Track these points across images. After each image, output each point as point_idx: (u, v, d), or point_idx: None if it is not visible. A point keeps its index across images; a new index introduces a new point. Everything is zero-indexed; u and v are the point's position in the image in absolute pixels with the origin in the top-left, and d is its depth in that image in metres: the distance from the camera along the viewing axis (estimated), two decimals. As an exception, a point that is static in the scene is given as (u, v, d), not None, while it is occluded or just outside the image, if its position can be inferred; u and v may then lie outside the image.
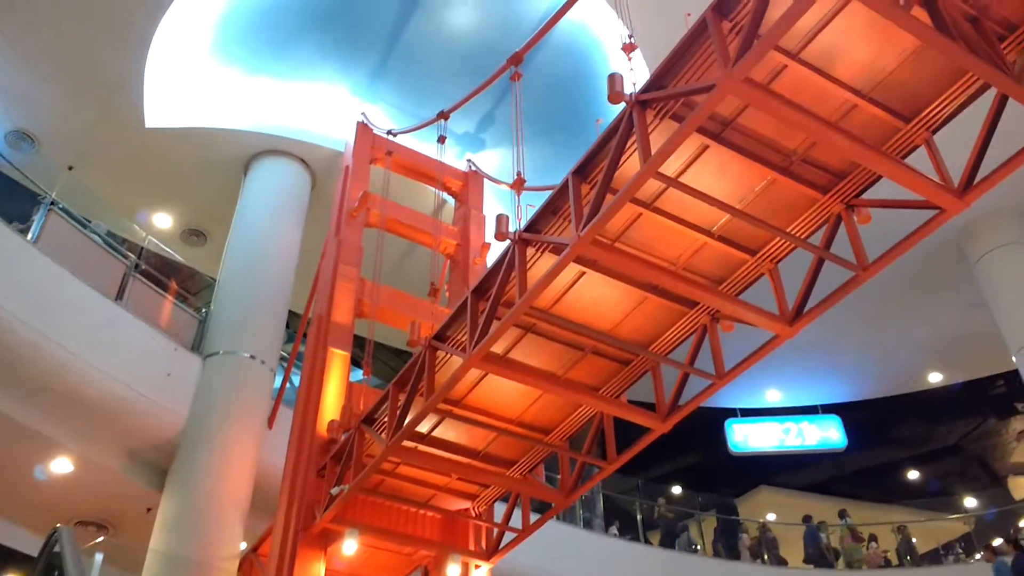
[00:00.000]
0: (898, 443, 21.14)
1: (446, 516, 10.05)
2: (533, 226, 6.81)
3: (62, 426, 10.78)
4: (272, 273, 13.43)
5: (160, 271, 13.29)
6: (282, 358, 13.34)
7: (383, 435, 8.46)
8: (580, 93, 15.04)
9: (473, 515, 10.00)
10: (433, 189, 14.64)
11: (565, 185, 6.46)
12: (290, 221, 14.24)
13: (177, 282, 13.78)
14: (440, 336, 7.85)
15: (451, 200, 14.00)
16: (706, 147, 6.08)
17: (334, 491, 8.62)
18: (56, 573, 6.24)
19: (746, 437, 20.12)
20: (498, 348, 7.52)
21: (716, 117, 5.88)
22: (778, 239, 6.72)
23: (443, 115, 12.08)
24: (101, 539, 6.55)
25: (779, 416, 20.31)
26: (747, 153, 6.10)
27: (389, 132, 12.96)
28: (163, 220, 15.95)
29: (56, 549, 5.83)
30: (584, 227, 5.92)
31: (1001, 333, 14.88)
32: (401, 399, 8.35)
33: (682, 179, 6.24)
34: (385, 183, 12.20)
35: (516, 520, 9.88)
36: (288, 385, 13.28)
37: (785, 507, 22.12)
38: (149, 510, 11.77)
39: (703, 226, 6.70)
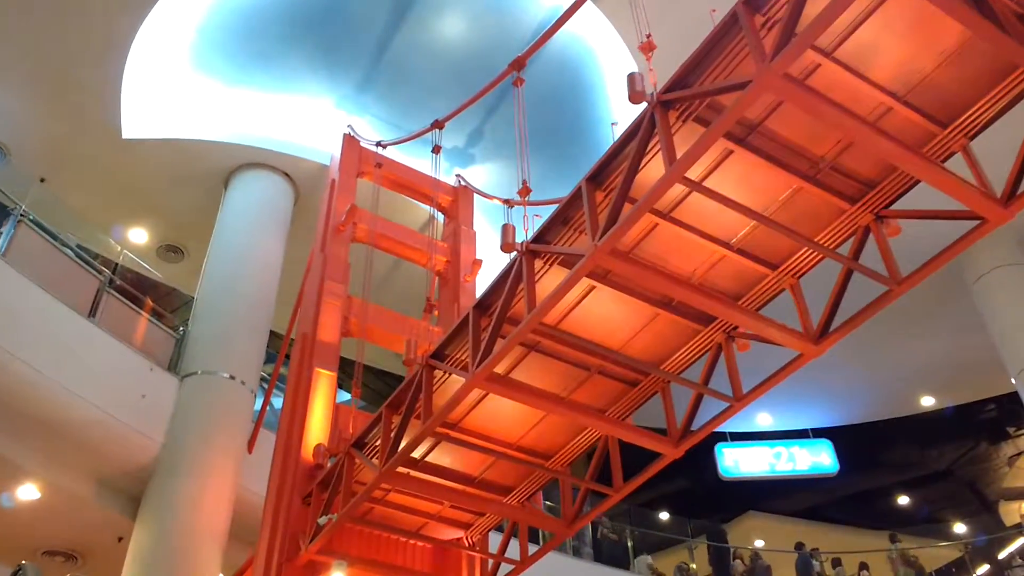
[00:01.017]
0: (889, 468, 20.83)
1: (438, 546, 9.52)
2: (542, 237, 6.38)
3: (29, 450, 10.15)
4: (253, 290, 12.90)
5: (135, 288, 12.70)
6: (263, 379, 12.78)
7: (375, 460, 7.95)
8: (572, 106, 14.72)
9: (467, 545, 9.48)
10: (421, 204, 14.25)
11: (577, 193, 6.05)
12: (272, 236, 13.74)
13: (153, 300, 13.20)
14: (438, 354, 7.38)
15: (440, 216, 13.59)
16: (730, 152, 5.70)
17: (322, 520, 8.07)
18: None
19: (736, 462, 19.73)
20: (500, 367, 7.06)
21: (742, 120, 5.50)
22: (801, 252, 6.34)
23: (438, 124, 11.67)
24: None
25: (770, 440, 19.95)
26: (773, 160, 5.72)
27: (378, 144, 12.51)
28: (139, 235, 15.36)
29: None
30: (602, 237, 5.50)
31: (1000, 355, 14.63)
32: (395, 421, 7.86)
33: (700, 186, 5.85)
34: (374, 197, 11.74)
35: (512, 550, 9.39)
36: (269, 408, 12.72)
37: (773, 533, 21.69)
38: (121, 539, 11.14)
39: (722, 238, 6.31)
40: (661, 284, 6.00)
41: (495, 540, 9.91)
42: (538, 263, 6.49)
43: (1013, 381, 14.36)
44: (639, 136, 5.44)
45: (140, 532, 10.34)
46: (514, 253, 6.55)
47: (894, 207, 6.07)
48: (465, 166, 14.99)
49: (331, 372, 10.23)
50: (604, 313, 6.91)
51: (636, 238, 6.22)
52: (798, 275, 6.50)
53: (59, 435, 10.05)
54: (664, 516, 22.31)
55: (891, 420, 19.85)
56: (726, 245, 6.33)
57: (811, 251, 6.31)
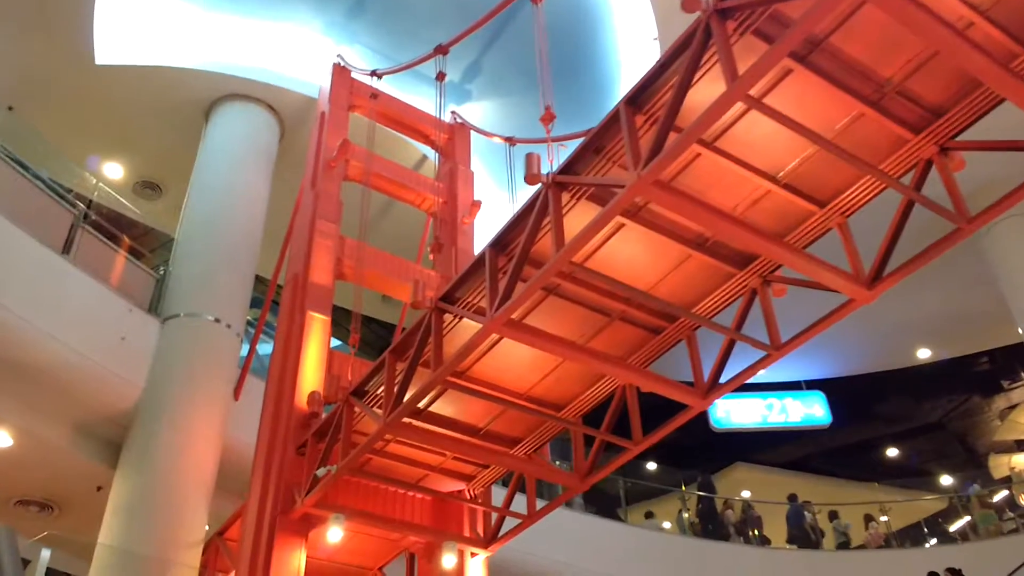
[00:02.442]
0: (880, 420, 20.67)
1: (438, 499, 9.06)
2: (570, 168, 5.77)
3: (0, 395, 9.50)
4: (237, 229, 12.20)
5: (111, 226, 11.94)
6: (249, 324, 12.15)
7: (377, 410, 7.41)
8: (575, 41, 13.96)
9: (469, 498, 9.02)
10: (413, 143, 13.55)
11: (614, 118, 5.43)
12: (256, 173, 12.99)
13: (130, 239, 12.45)
14: (448, 297, 6.80)
15: (432, 155, 12.91)
16: (788, 72, 5.09)
17: (320, 472, 7.55)
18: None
19: (728, 413, 19.44)
20: (516, 312, 6.49)
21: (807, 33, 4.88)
22: (853, 189, 5.79)
23: (441, 49, 10.89)
24: (45, 533, 5.46)
25: (762, 392, 19.65)
26: (835, 81, 5.13)
27: (373, 73, 11.73)
28: (114, 170, 14.50)
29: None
30: (646, 165, 4.90)
31: (1007, 307, 14.27)
32: (399, 369, 7.31)
33: (751, 113, 5.26)
34: (370, 131, 11.02)
35: (517, 504, 8.96)
36: (256, 355, 12.12)
37: (762, 484, 21.60)
38: (100, 489, 10.58)
39: (768, 171, 5.74)
40: (705, 219, 5.42)
41: (498, 495, 9.49)
42: (564, 197, 5.89)
43: (1021, 332, 14.04)
44: (691, 49, 4.81)
45: (121, 482, 9.79)
46: (538, 186, 5.93)
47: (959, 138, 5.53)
48: (461, 103, 14.23)
49: (325, 316, 9.65)
50: (630, 255, 6.35)
51: (674, 171, 5.63)
52: (848, 213, 5.96)
53: (32, 378, 9.40)
54: (652, 466, 22.14)
55: (885, 372, 19.62)
56: (772, 179, 5.76)
57: (864, 187, 5.77)
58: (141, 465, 9.73)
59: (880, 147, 5.59)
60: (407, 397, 6.92)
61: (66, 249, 10.06)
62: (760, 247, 5.61)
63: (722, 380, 6.79)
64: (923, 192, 5.67)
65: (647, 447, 7.36)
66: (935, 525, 19.12)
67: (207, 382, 10.45)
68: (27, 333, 9.01)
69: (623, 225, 6.00)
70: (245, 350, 11.92)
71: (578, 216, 5.83)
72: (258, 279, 13.03)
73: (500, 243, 6.36)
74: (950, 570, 11.94)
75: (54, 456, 10.30)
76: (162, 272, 11.42)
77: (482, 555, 8.89)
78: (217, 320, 10.94)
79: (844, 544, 16.91)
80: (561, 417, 7.84)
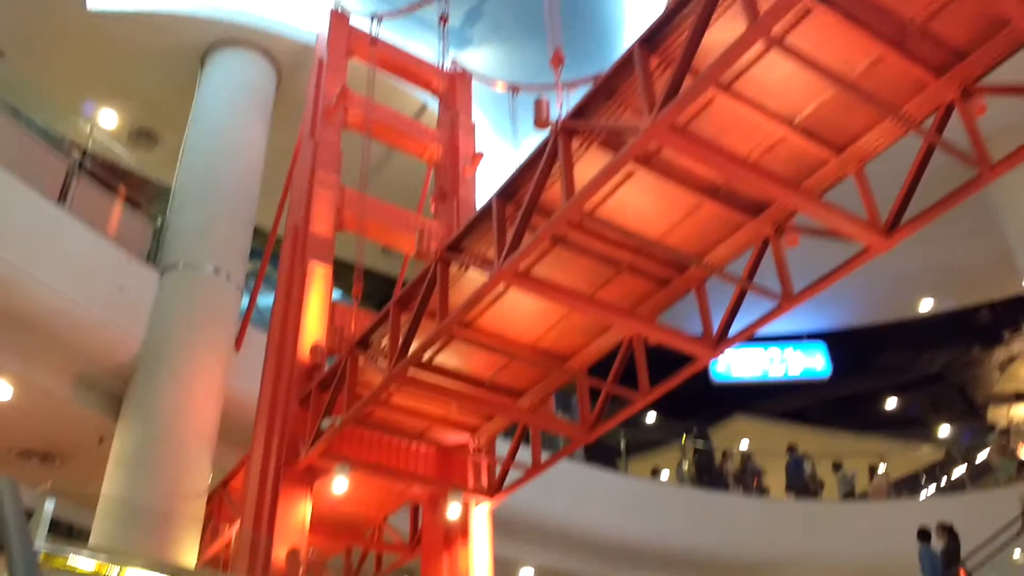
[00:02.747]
0: (879, 372, 20.69)
1: (442, 450, 9.04)
2: (581, 113, 5.60)
3: (0, 345, 9.41)
4: (235, 179, 12.00)
5: (107, 175, 11.73)
6: (248, 275, 12.01)
7: (382, 361, 7.33)
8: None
9: (473, 449, 9.00)
10: (412, 92, 13.30)
11: (628, 60, 5.25)
12: (253, 121, 12.74)
13: (126, 190, 12.25)
14: (454, 247, 6.67)
15: (433, 104, 12.65)
16: (809, 11, 4.90)
17: (324, 424, 7.50)
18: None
19: (729, 366, 19.44)
20: (523, 262, 6.36)
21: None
22: (871, 134, 5.63)
23: (443, -9, 10.58)
24: (48, 484, 5.43)
25: (763, 343, 19.62)
26: (856, 20, 4.94)
27: (374, 16, 11.41)
28: (108, 118, 14.23)
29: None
30: (662, 109, 4.74)
31: (1014, 258, 14.15)
32: (404, 320, 7.21)
33: (769, 54, 5.09)
34: (369, 78, 10.76)
35: (521, 456, 8.94)
36: (256, 307, 12.02)
37: (760, 435, 21.66)
38: (102, 440, 10.56)
39: (784, 116, 5.57)
40: (719, 165, 5.28)
41: (501, 446, 9.47)
42: (574, 144, 5.73)
43: (1028, 282, 13.96)
44: (711, -14, 4.63)
45: (123, 433, 9.75)
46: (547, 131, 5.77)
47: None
48: (461, 49, 13.94)
49: (326, 266, 9.52)
50: (641, 203, 6.21)
51: (689, 115, 5.46)
52: (865, 160, 5.81)
53: (30, 329, 9.31)
54: (651, 418, 22.23)
55: (886, 324, 19.58)
56: (788, 124, 5.60)
57: (882, 133, 5.61)
58: (143, 416, 9.68)
59: (901, 90, 5.41)
60: (412, 348, 6.83)
61: (61, 199, 9.89)
62: (775, 194, 5.48)
63: (730, 332, 6.71)
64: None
65: (654, 399, 7.30)
66: (932, 476, 19.28)
67: (207, 333, 10.36)
68: (24, 283, 8.88)
69: (633, 173, 5.85)
70: (245, 302, 11.82)
71: (588, 164, 5.69)
72: (257, 231, 12.87)
73: (508, 192, 6.22)
74: (942, 525, 11.97)
75: (55, 408, 10.26)
76: (160, 223, 11.25)
77: (486, 505, 8.90)
78: (216, 271, 10.81)
79: (849, 494, 17.01)
80: (567, 368, 7.77)
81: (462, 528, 8.70)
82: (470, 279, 6.74)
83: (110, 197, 11.01)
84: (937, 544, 11.82)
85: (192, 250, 10.89)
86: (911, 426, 21.73)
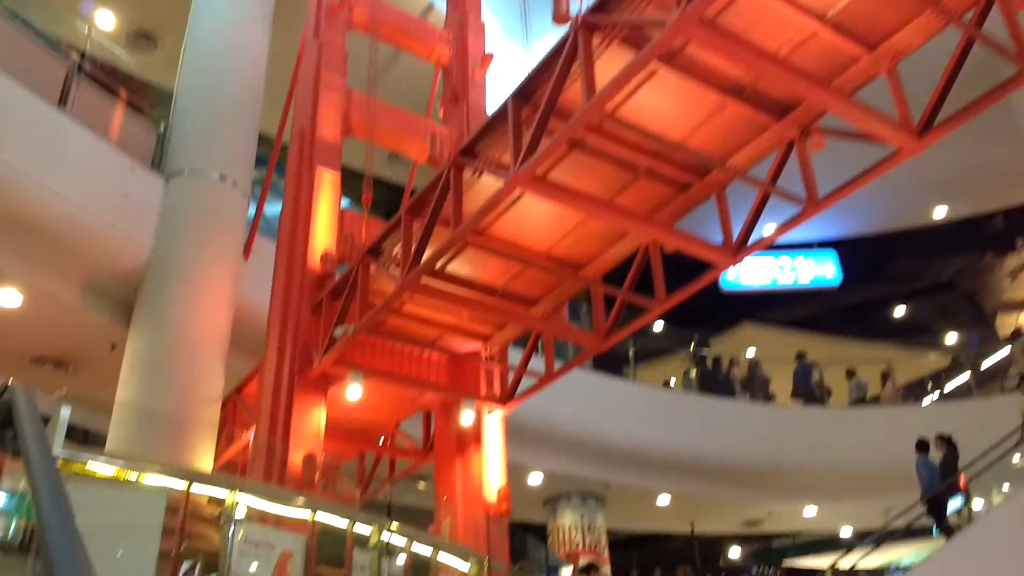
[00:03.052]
0: (889, 280, 20.55)
1: (454, 358, 9.03)
2: (603, 7, 5.32)
3: (6, 252, 9.29)
4: (238, 82, 11.60)
5: (106, 79, 11.38)
6: (255, 183, 11.78)
7: (394, 269, 7.22)
8: None
9: (485, 357, 8.99)
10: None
11: (653, -51, 4.95)
12: (255, 21, 12.21)
13: (127, 94, 11.91)
14: (468, 151, 6.47)
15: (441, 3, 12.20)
16: None
17: (337, 331, 7.45)
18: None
19: (738, 274, 19.32)
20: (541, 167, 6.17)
21: None
22: (905, 29, 5.35)
23: None
24: (64, 390, 5.40)
25: (773, 251, 19.44)
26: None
27: (378, -93, 10.86)
28: (105, 19, 13.76)
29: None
30: (691, 0, 4.48)
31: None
32: (416, 227, 7.07)
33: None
34: (373, -25, 10.31)
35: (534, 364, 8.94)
36: (264, 215, 11.85)
37: (768, 343, 21.73)
38: (114, 347, 10.55)
39: (815, 10, 5.29)
40: (748, 61, 5.04)
41: (513, 355, 9.46)
42: (595, 40, 5.47)
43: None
44: None
45: (135, 340, 9.71)
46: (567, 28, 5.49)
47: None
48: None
49: (334, 172, 9.34)
50: (662, 105, 5.99)
51: (718, 7, 5.18)
52: (898, 58, 5.55)
53: (37, 236, 9.17)
54: (658, 326, 22.25)
55: (898, 231, 19.36)
56: (819, 18, 5.32)
57: (918, 27, 5.33)
58: (154, 324, 9.62)
59: (940, -17, 5.12)
60: (425, 256, 6.71)
61: (61, 103, 9.60)
62: (804, 92, 5.25)
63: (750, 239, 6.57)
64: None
65: (670, 307, 7.21)
66: (938, 383, 19.40)
67: (215, 241, 10.21)
68: (28, 189, 8.70)
69: (656, 72, 5.60)
70: (252, 210, 11.64)
71: (608, 63, 5.43)
72: (262, 138, 12.58)
73: (524, 93, 5.98)
74: (940, 436, 12.00)
75: (66, 315, 10.21)
76: (163, 128, 10.97)
77: (499, 412, 8.95)
78: (223, 178, 10.58)
79: (860, 400, 17.12)
80: (581, 276, 7.66)
81: (475, 435, 8.77)
82: (484, 185, 6.57)
83: (111, 101, 10.70)
84: (936, 455, 11.88)
85: (196, 157, 10.63)
86: (919, 334, 21.76)
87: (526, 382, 8.93)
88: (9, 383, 4.33)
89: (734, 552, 22.49)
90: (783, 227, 6.30)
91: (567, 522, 15.61)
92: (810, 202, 6.05)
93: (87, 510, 5.27)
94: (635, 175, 6.67)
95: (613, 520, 16.68)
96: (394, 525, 6.35)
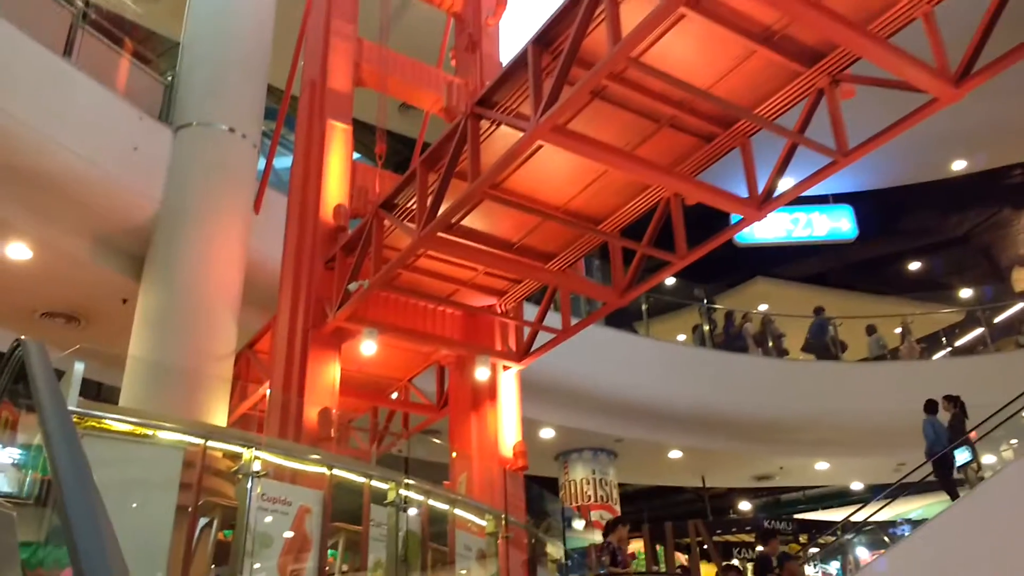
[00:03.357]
0: (905, 234, 20.27)
1: (468, 314, 8.92)
2: (628, -55, 5.09)
3: (14, 205, 9.17)
4: (245, 31, 11.32)
5: (112, 28, 11.12)
6: (264, 136, 11.58)
7: (409, 223, 7.08)
8: None
9: (500, 312, 8.88)
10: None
11: None
12: (263, -31, 11.96)
13: (133, 44, 11.65)
14: (486, 101, 6.27)
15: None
16: None
17: (352, 286, 7.33)
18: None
19: (752, 228, 19.04)
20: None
21: None
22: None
23: None
24: (78, 347, 5.30)
25: (788, 206, 19.13)
26: None
27: None
28: (109, -33, 13.43)
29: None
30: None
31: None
32: (432, 180, 6.91)
33: None
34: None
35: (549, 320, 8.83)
36: (274, 169, 11.67)
37: (781, 298, 21.56)
38: (125, 301, 10.48)
39: (852, -49, 5.06)
40: (785, 3, 4.82)
41: (527, 312, 9.35)
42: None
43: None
44: None
45: (146, 294, 9.63)
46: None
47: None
48: None
49: (346, 125, 9.15)
50: (688, 52, 5.78)
51: (748, -52, 4.96)
52: (934, 0, 5.31)
53: (46, 189, 9.03)
54: (669, 280, 22.07)
55: (914, 185, 19.04)
56: (856, -39, 5.09)
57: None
58: (166, 278, 9.53)
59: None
60: (442, 210, 6.56)
61: (67, 53, 9.39)
62: (840, 36, 5.04)
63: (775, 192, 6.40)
64: None
65: (692, 262, 7.08)
66: (952, 337, 19.28)
67: (226, 194, 10.06)
68: (35, 141, 8.54)
69: (684, 16, 5.38)
70: (261, 164, 11.46)
71: (632, 8, 5.22)
72: (271, 90, 12.34)
73: (544, 39, 5.76)
74: (948, 397, 11.87)
75: (76, 269, 10.12)
76: (170, 79, 10.75)
77: (514, 368, 8.86)
78: (232, 130, 10.40)
79: (881, 357, 17.01)
80: (600, 230, 7.51)
81: (490, 390, 8.70)
82: (502, 136, 6.39)
83: (117, 52, 10.48)
84: (944, 416, 11.77)
85: (205, 108, 10.43)
86: (933, 288, 21.57)
87: (542, 338, 8.83)
88: (21, 338, 4.24)
89: (744, 506, 22.63)
90: (812, 178, 6.12)
91: (579, 476, 15.65)
92: (840, 153, 5.86)
93: (103, 465, 5.23)
94: (657, 125, 6.48)
95: (624, 474, 16.74)
96: (411, 481, 6.30)
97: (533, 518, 8.55)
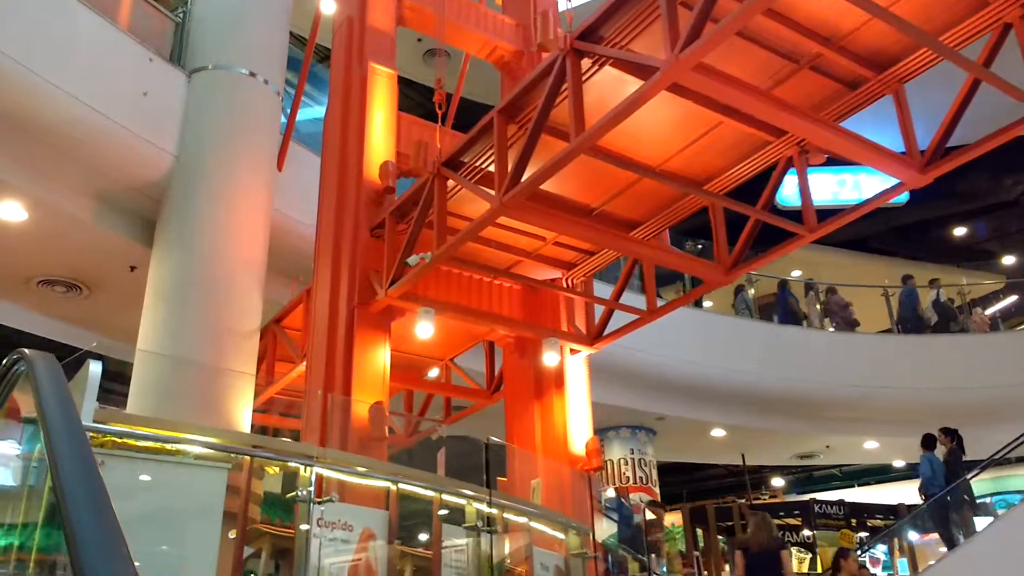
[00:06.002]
0: (952, 197, 19.04)
1: (529, 289, 7.78)
2: None
3: (6, 158, 7.96)
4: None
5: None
6: (287, 85, 10.31)
7: (482, 187, 5.91)
8: None
9: (567, 287, 7.74)
10: None
11: None
12: None
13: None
14: (591, 36, 5.05)
15: None
16: None
17: (412, 260, 6.17)
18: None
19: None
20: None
21: None
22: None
23: None
24: (95, 344, 4.17)
25: (833, 167, 17.92)
26: None
27: None
28: None
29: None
30: None
31: None
32: (512, 134, 5.72)
33: None
34: None
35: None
36: (297, 124, 10.44)
37: (814, 264, 20.39)
38: (134, 268, 9.34)
39: None
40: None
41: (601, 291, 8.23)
42: None
43: None
44: None
45: (158, 260, 8.46)
46: None
47: None
48: None
49: (391, 70, 7.92)
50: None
51: None
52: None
53: (43, 140, 7.82)
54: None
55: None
56: None
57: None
58: (181, 243, 8.35)
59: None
60: (530, 172, 5.39)
61: (65, -18, 8.09)
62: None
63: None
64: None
65: (822, 235, 5.96)
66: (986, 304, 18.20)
67: (247, 147, 8.85)
68: (31, 84, 7.29)
69: None
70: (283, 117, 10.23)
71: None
72: (293, 37, 11.04)
73: (676, -41, 4.55)
74: (944, 430, 10.65)
75: (77, 232, 8.95)
76: (182, 16, 9.46)
77: (584, 352, 7.75)
78: (252, 74, 9.16)
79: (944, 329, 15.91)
80: (708, 190, 6.34)
81: (557, 377, 7.60)
82: (605, 81, 5.20)
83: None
84: (940, 450, 10.61)
85: (221, 50, 9.18)
86: (974, 257, 20.49)
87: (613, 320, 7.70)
88: (20, 353, 3.14)
89: (777, 482, 21.69)
90: (1005, 131, 4.99)
91: (616, 455, 14.65)
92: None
93: (126, 496, 4.12)
94: (796, 66, 5.31)
95: (663, 453, 15.75)
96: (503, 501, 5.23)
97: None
